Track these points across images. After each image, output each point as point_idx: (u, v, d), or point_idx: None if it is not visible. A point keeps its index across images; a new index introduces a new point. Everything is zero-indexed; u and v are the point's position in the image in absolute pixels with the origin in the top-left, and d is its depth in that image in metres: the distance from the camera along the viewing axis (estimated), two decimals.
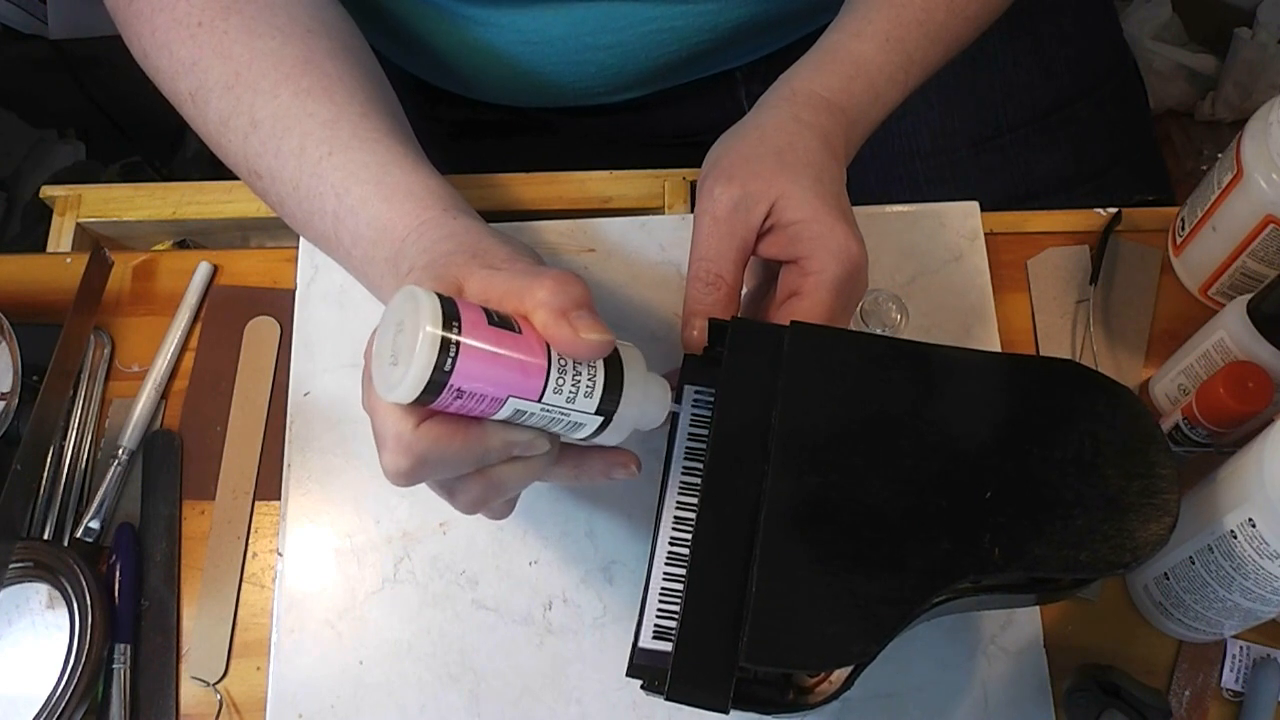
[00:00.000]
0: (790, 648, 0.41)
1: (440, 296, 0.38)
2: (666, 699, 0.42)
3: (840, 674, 0.45)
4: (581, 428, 0.42)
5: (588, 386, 0.41)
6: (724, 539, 0.44)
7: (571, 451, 0.46)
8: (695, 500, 0.49)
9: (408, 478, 0.40)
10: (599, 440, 0.43)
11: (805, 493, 0.43)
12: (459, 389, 0.38)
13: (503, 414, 0.40)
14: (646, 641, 0.46)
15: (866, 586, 0.42)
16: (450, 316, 0.38)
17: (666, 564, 0.48)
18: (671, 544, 0.48)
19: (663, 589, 0.47)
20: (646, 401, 0.43)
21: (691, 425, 0.50)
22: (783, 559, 0.42)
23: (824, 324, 0.48)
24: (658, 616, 0.47)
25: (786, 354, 0.46)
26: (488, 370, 0.38)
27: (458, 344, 0.37)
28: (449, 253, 0.44)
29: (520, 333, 0.39)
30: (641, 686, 0.45)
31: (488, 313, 0.39)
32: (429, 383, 0.37)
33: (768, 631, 0.41)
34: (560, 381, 0.40)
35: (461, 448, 0.40)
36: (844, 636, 0.41)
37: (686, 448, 0.50)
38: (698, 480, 0.49)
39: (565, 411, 0.41)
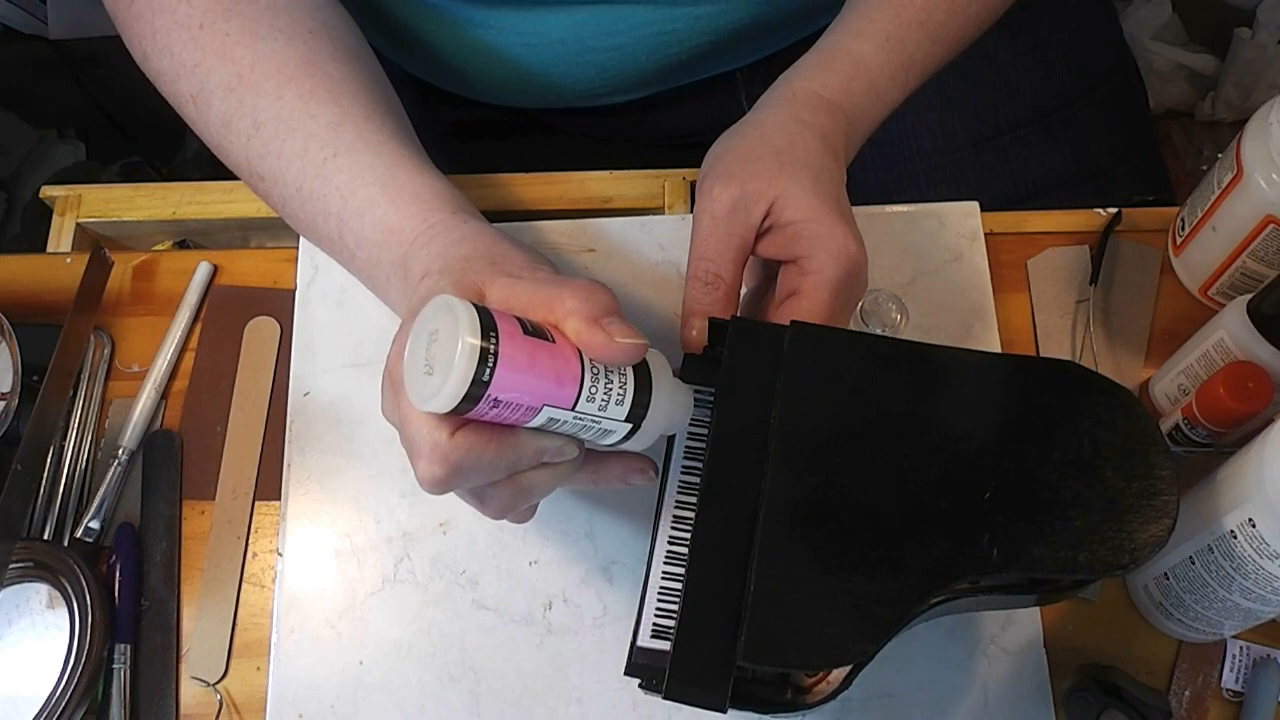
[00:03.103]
0: (788, 647, 0.41)
1: (476, 306, 0.38)
2: (664, 698, 0.42)
3: (838, 673, 0.45)
4: (611, 434, 0.43)
5: (619, 394, 0.41)
6: (723, 538, 0.44)
7: (590, 458, 0.46)
8: (694, 500, 0.49)
9: (443, 485, 0.40)
10: (626, 446, 0.44)
11: (804, 492, 0.43)
12: (496, 398, 0.38)
13: (536, 422, 0.40)
14: (645, 640, 0.46)
15: (865, 586, 0.42)
16: (487, 327, 0.38)
17: (665, 563, 0.48)
18: (670, 543, 0.48)
19: (661, 588, 0.47)
20: (673, 407, 0.44)
21: (691, 425, 0.50)
22: (781, 558, 0.42)
23: (823, 324, 0.48)
24: (656, 615, 0.47)
25: (786, 354, 0.46)
26: (524, 380, 0.38)
27: (495, 354, 0.38)
28: (466, 258, 0.44)
29: (554, 342, 0.40)
30: (640, 685, 0.45)
31: (521, 322, 0.39)
32: (467, 393, 0.37)
33: (766, 630, 0.41)
34: (593, 390, 0.40)
35: (495, 455, 0.40)
36: (842, 636, 0.41)
37: (686, 447, 0.50)
38: (697, 480, 0.49)
39: (597, 419, 0.41)
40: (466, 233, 0.46)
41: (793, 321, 0.47)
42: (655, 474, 0.48)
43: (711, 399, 0.49)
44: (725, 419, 0.46)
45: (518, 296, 0.41)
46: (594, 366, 0.40)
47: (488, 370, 0.37)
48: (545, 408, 0.40)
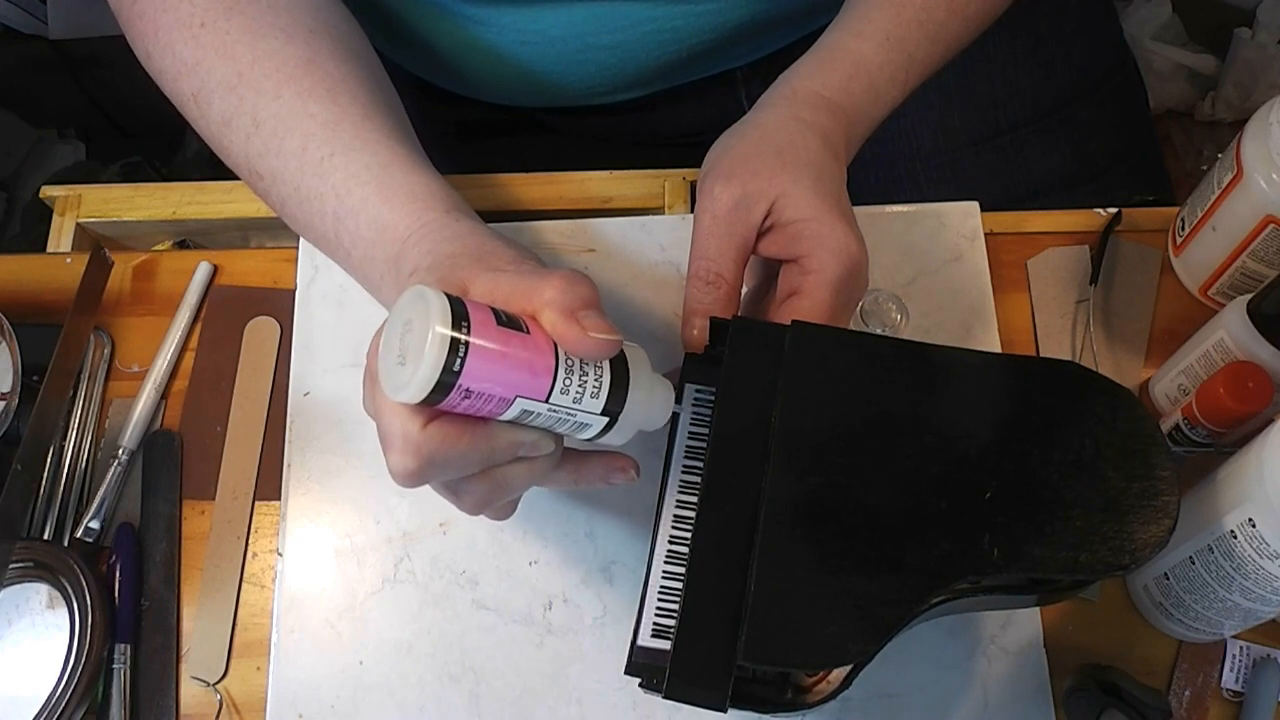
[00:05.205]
0: (788, 647, 0.41)
1: (449, 296, 0.38)
2: (664, 697, 0.42)
3: (839, 673, 0.45)
4: (587, 428, 0.42)
5: (594, 387, 0.41)
6: (723, 538, 0.44)
7: (571, 456, 0.46)
8: (695, 499, 0.49)
9: (415, 478, 0.40)
10: (604, 441, 0.43)
11: (805, 492, 0.43)
12: (467, 389, 0.38)
13: (510, 414, 0.40)
14: (645, 640, 0.46)
15: (865, 586, 0.42)
16: (459, 316, 0.38)
17: (666, 562, 0.48)
18: (671, 543, 0.48)
19: (662, 587, 0.47)
20: (651, 402, 0.43)
21: (692, 424, 0.51)
22: (782, 558, 0.42)
23: (824, 323, 0.48)
24: (657, 615, 0.47)
25: (787, 353, 0.46)
26: (496, 370, 0.38)
27: (467, 344, 0.37)
28: (453, 255, 0.44)
29: (528, 333, 0.39)
30: (640, 684, 0.45)
31: (496, 313, 0.39)
32: (438, 383, 0.37)
33: (766, 630, 0.41)
34: (567, 382, 0.40)
35: (468, 448, 0.40)
36: (842, 636, 0.41)
37: (687, 447, 0.50)
38: (698, 479, 0.49)
39: (572, 412, 0.41)
40: (458, 231, 0.46)
41: (793, 321, 0.47)
42: (637, 473, 0.48)
43: (713, 398, 0.49)
44: (726, 418, 0.46)
45: (500, 289, 0.41)
46: (569, 359, 0.40)
47: (458, 360, 0.37)
48: (518, 399, 0.39)
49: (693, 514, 0.48)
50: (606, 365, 0.41)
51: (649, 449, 0.53)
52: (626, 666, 0.46)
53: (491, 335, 0.38)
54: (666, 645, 0.45)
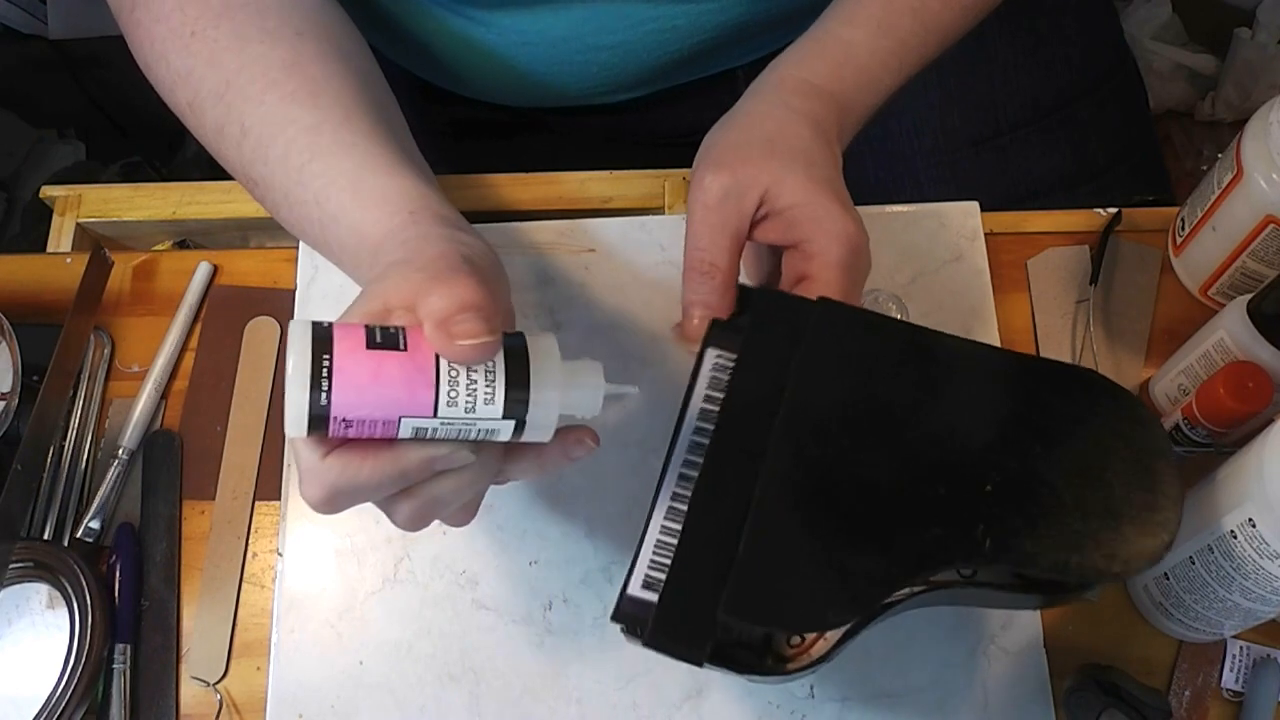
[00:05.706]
0: (770, 606, 0.42)
1: (317, 326, 0.38)
2: (644, 645, 0.43)
3: (820, 646, 0.45)
4: (498, 433, 0.40)
5: (486, 393, 0.39)
6: (722, 500, 0.44)
7: (531, 446, 0.44)
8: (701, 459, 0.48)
9: (326, 507, 0.40)
10: (526, 440, 0.42)
11: (806, 464, 0.44)
12: (344, 419, 0.37)
13: (404, 434, 0.39)
14: (635, 590, 0.46)
15: (853, 560, 0.42)
16: (322, 349, 0.37)
17: (666, 519, 0.47)
18: (673, 500, 0.48)
19: (658, 542, 0.47)
20: (571, 391, 0.42)
21: (709, 389, 0.50)
22: (775, 523, 0.43)
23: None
24: (650, 569, 0.46)
25: (811, 328, 0.46)
26: (368, 396, 0.37)
27: (330, 375, 0.37)
28: (397, 262, 0.43)
29: (405, 349, 0.38)
30: (622, 630, 0.45)
31: (375, 332, 0.38)
32: (310, 416, 0.37)
33: (750, 587, 0.41)
34: (453, 393, 0.39)
35: (373, 473, 0.39)
36: (824, 604, 0.42)
37: (702, 409, 0.50)
38: (707, 442, 0.49)
39: (470, 421, 0.39)
40: (409, 236, 0.45)
41: (821, 298, 0.47)
42: (595, 441, 0.45)
43: (733, 364, 0.49)
44: (741, 386, 0.46)
45: (401, 296, 0.40)
46: (453, 368, 0.39)
47: (323, 394, 0.37)
48: (404, 419, 0.38)
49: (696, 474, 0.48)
50: (500, 369, 0.40)
51: (651, 450, 0.53)
52: (613, 613, 0.46)
53: (358, 361, 0.38)
54: (655, 598, 0.45)
